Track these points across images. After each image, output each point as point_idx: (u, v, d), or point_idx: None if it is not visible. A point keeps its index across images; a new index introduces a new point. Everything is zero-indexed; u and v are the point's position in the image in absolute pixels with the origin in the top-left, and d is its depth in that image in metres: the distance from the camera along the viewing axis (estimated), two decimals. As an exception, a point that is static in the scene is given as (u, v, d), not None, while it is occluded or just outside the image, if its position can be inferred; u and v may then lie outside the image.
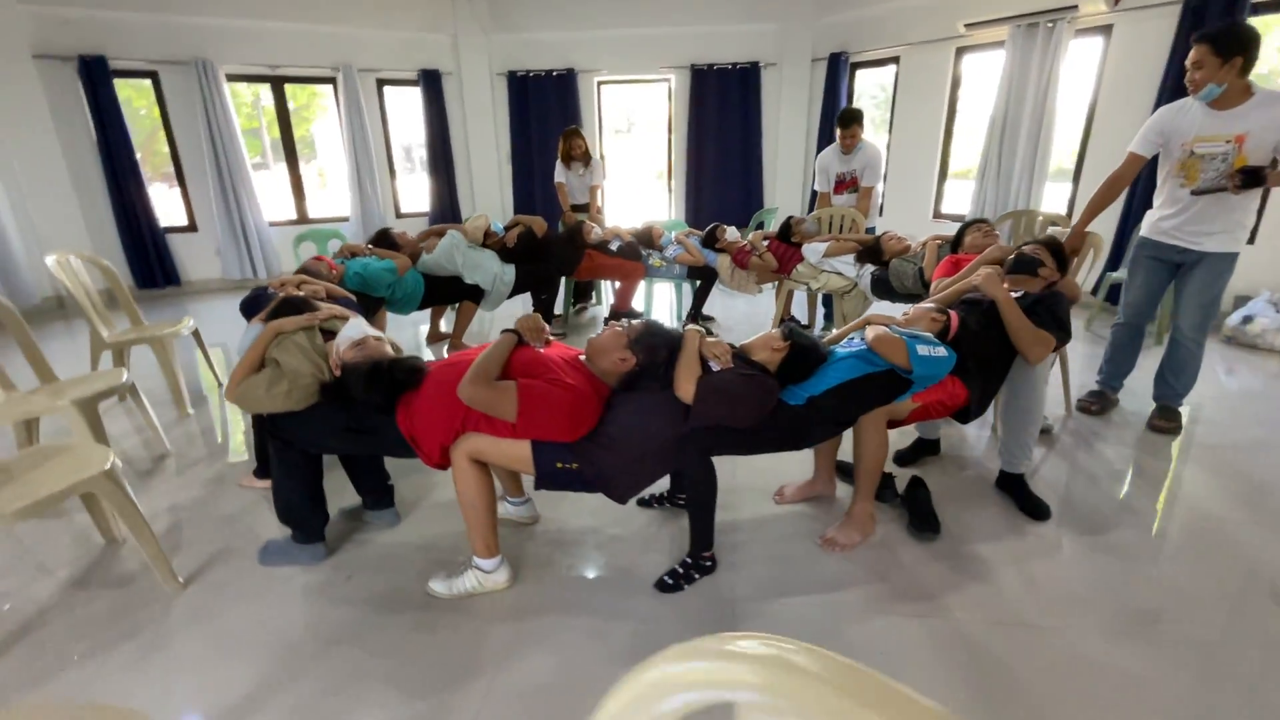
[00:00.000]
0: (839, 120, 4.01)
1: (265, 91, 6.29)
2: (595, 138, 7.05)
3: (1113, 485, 2.35)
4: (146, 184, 5.76)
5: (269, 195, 6.40)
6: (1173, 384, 2.73)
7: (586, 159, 4.90)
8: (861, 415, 1.94)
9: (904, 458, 2.51)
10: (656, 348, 1.78)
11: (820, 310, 4.52)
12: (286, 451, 1.86)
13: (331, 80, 6.27)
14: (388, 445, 1.85)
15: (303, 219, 6.62)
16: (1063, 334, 2.13)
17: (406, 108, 6.78)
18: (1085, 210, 2.75)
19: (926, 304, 2.22)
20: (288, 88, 6.26)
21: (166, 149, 5.89)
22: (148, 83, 5.65)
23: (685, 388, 1.70)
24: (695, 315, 4.28)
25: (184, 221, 6.09)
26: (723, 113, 6.70)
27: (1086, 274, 2.86)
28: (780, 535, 2.08)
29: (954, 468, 2.49)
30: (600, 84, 6.98)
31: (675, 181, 7.18)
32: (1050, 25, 4.60)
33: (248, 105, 6.39)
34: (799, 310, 4.54)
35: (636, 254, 4.27)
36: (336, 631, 1.68)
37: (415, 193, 7.20)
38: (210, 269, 6.19)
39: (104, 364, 3.11)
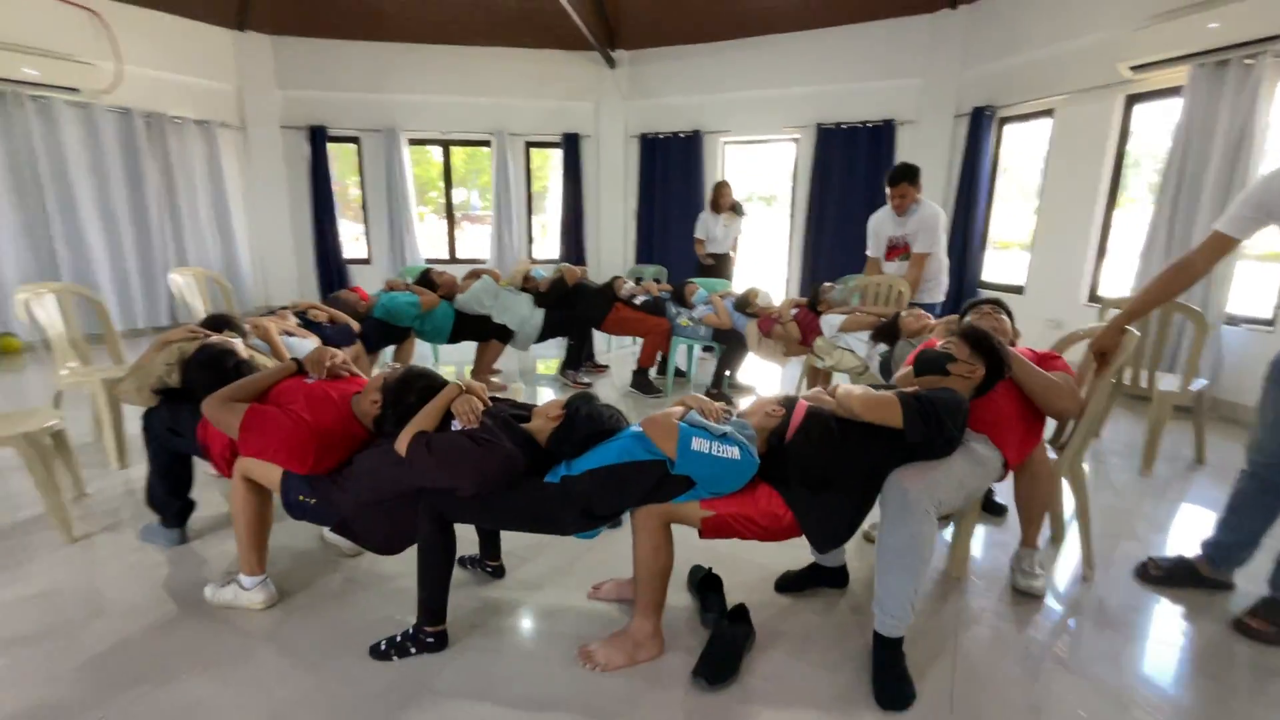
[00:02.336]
0: (888, 178, 3.48)
1: (437, 152, 7.50)
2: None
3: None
4: (337, 227, 7.22)
5: (429, 237, 7.55)
6: None
7: (734, 209, 5.17)
8: (625, 508, 1.62)
9: (784, 584, 2.01)
10: (404, 394, 1.71)
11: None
12: (150, 443, 2.15)
13: (488, 143, 7.23)
14: (191, 448, 2.04)
15: (452, 257, 7.65)
16: (941, 442, 1.57)
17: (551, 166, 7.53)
18: (1134, 302, 2.00)
19: (773, 395, 1.80)
20: (453, 149, 7.40)
21: (359, 198, 7.32)
22: (353, 146, 7.12)
23: (400, 440, 1.61)
24: (718, 382, 3.96)
25: (364, 255, 7.46)
26: (849, 172, 6.21)
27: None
28: (552, 633, 1.80)
29: (846, 610, 1.92)
30: (726, 144, 6.99)
31: (794, 242, 6.80)
32: (1248, 62, 3.48)
33: (436, 164, 7.72)
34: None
35: (661, 310, 4.12)
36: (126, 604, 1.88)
37: (548, 240, 7.86)
38: (376, 295, 7.46)
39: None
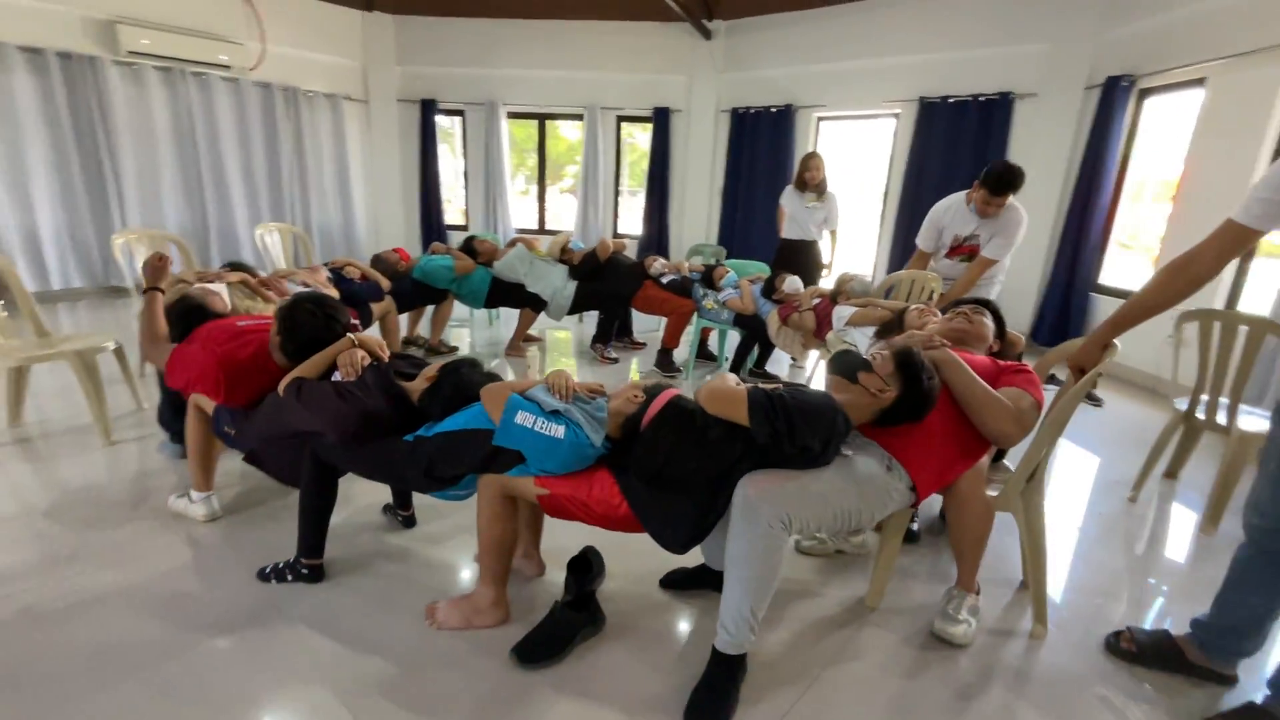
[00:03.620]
0: (991, 181, 2.98)
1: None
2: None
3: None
4: (441, 195, 7.77)
5: (522, 208, 7.89)
6: None
7: (821, 190, 4.34)
8: (463, 474, 1.62)
9: (669, 581, 1.90)
10: (293, 324, 1.83)
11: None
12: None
13: (580, 117, 7.36)
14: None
15: (541, 228, 7.94)
16: (793, 451, 1.40)
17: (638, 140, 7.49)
18: (1123, 311, 1.63)
19: (641, 381, 1.69)
20: (548, 123, 7.62)
21: (462, 167, 7.80)
22: (458, 119, 7.59)
23: (282, 383, 1.73)
24: (736, 368, 3.77)
25: (461, 221, 7.98)
26: (952, 152, 5.53)
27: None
28: (421, 585, 1.86)
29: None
30: (820, 120, 6.51)
31: (885, 228, 6.22)
32: None
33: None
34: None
35: (687, 291, 3.99)
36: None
37: (633, 215, 7.86)
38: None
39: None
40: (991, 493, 1.74)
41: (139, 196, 5.74)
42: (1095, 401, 3.85)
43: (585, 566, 1.83)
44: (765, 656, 1.65)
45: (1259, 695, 1.45)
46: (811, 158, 4.30)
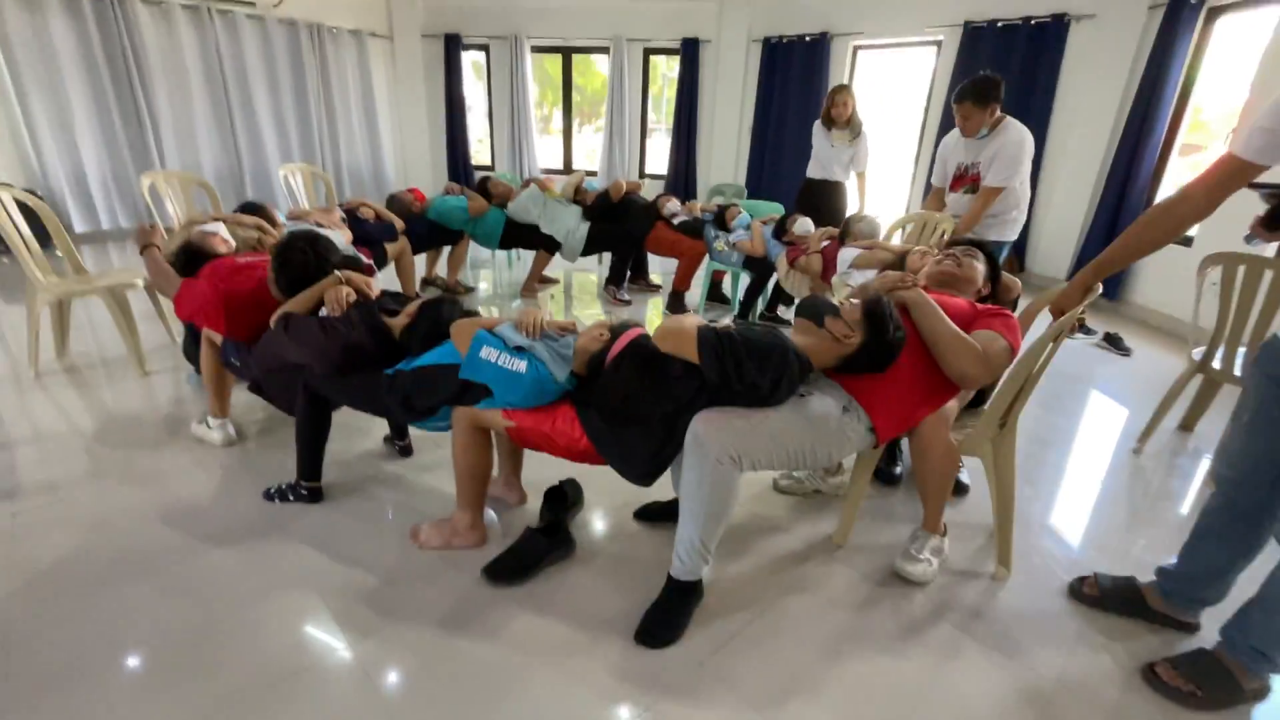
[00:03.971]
0: (963, 92, 2.86)
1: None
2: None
3: None
4: (470, 132, 7.72)
5: (548, 147, 7.79)
6: (1263, 635, 1.34)
7: (851, 127, 3.95)
8: (438, 406, 1.70)
9: (643, 513, 1.98)
10: (285, 261, 1.91)
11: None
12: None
13: (606, 50, 7.11)
14: None
15: (567, 168, 7.84)
16: (742, 388, 1.42)
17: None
18: (1109, 252, 1.55)
19: (606, 320, 1.71)
20: (574, 57, 7.39)
21: (485, 106, 7.70)
22: (482, 54, 7.44)
23: (273, 317, 1.83)
24: (745, 312, 3.74)
25: (489, 162, 7.94)
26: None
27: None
28: (410, 509, 1.99)
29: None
30: (857, 49, 6.12)
31: (920, 165, 5.91)
32: None
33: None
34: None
35: (699, 233, 3.93)
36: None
37: (658, 155, 7.65)
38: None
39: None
40: (958, 437, 1.73)
41: (175, 138, 5.91)
42: (1123, 350, 3.69)
43: (561, 497, 1.92)
44: (724, 584, 1.72)
45: (1211, 642, 1.44)
46: (839, 91, 3.94)
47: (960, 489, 2.20)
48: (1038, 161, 5.10)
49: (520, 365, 1.53)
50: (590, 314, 4.24)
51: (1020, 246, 5.34)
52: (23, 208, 2.81)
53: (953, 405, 1.71)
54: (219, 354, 2.19)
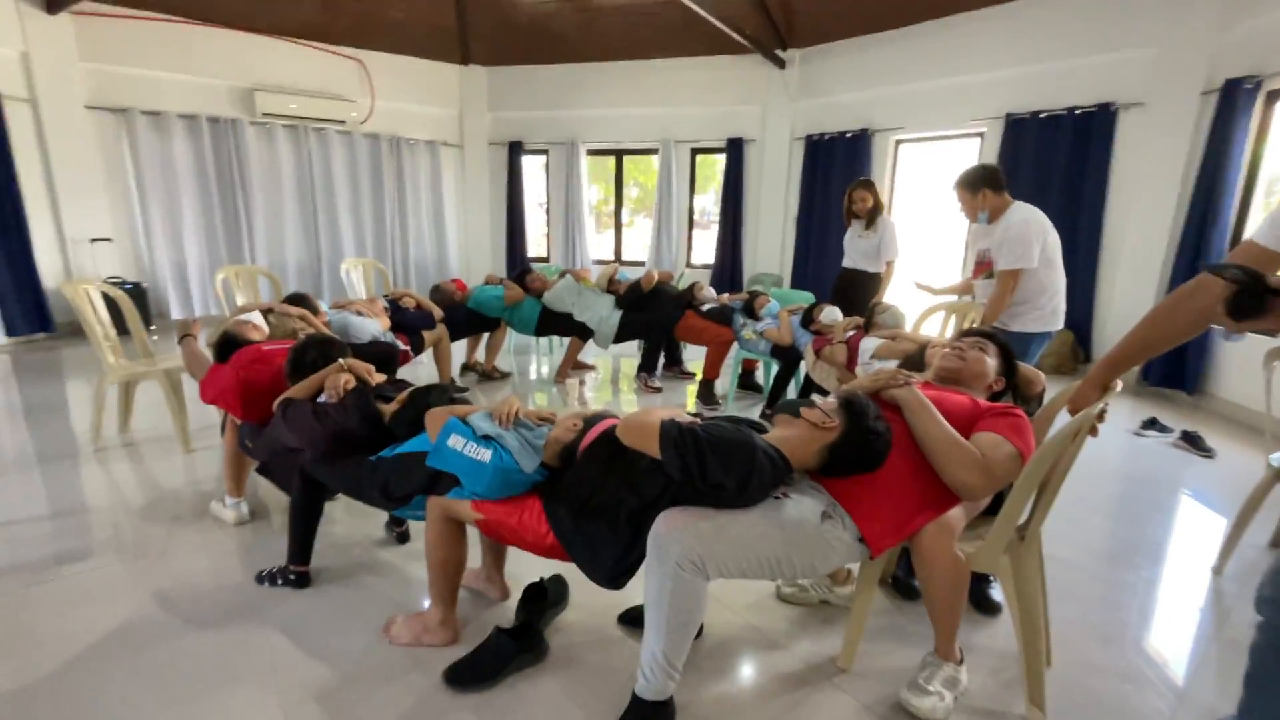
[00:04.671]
0: (958, 180, 2.81)
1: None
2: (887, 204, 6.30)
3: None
4: (527, 225, 8.23)
5: (602, 241, 8.18)
6: None
7: (871, 217, 3.95)
8: (413, 494, 1.69)
9: (627, 617, 1.85)
10: (298, 361, 2.02)
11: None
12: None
13: (656, 151, 7.53)
14: None
15: (618, 259, 8.15)
16: (707, 488, 1.35)
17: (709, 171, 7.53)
18: (1122, 347, 1.42)
19: (582, 410, 1.68)
20: (625, 159, 7.87)
21: (545, 203, 8.23)
22: (543, 157, 8.04)
23: (276, 402, 1.92)
24: (772, 402, 3.63)
25: (544, 254, 8.38)
26: (1045, 168, 5.05)
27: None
28: (391, 600, 1.94)
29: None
30: (899, 142, 6.21)
31: (972, 251, 5.74)
32: None
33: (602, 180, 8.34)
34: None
35: (728, 320, 3.91)
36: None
37: (705, 246, 7.84)
38: (551, 290, 8.34)
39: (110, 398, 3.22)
40: (968, 549, 1.55)
41: (266, 236, 6.61)
42: (1204, 451, 3.29)
43: (540, 595, 1.84)
44: (702, 706, 1.56)
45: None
46: (856, 188, 3.98)
47: (992, 608, 1.95)
48: (1094, 251, 4.88)
49: (485, 454, 1.51)
50: (626, 400, 4.23)
51: (1085, 338, 5.01)
52: (106, 299, 3.15)
53: (958, 513, 1.54)
54: (238, 436, 2.30)
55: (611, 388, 4.59)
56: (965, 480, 1.43)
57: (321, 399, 1.92)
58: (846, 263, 4.15)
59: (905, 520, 1.48)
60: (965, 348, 1.81)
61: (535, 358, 5.46)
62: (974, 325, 2.80)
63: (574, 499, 1.49)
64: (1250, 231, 1.22)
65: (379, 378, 2.06)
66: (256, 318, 2.58)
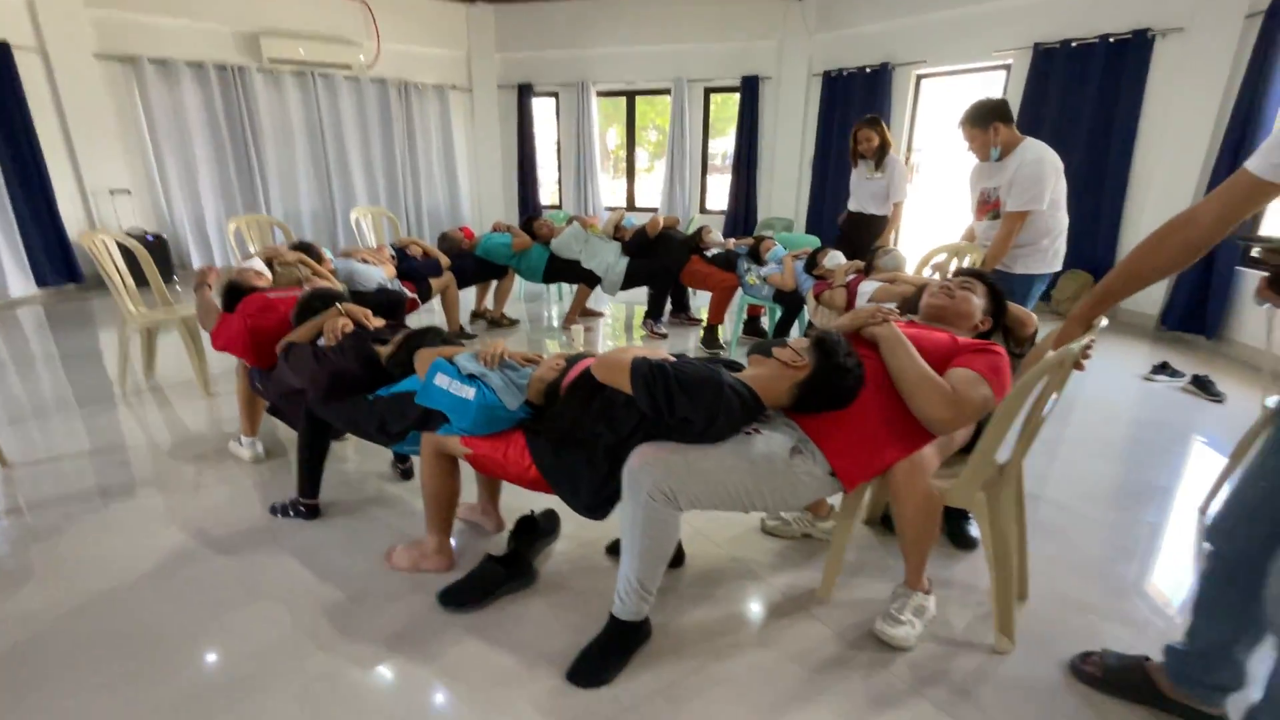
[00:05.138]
0: (965, 113, 2.70)
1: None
2: (903, 143, 6.08)
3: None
4: (539, 171, 8.13)
5: (615, 186, 8.04)
6: None
7: (879, 158, 3.81)
8: (407, 431, 1.77)
9: (616, 547, 1.94)
10: (304, 309, 2.09)
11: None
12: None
13: (668, 91, 7.31)
14: None
15: (630, 205, 8.05)
16: (675, 422, 1.41)
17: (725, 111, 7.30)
18: (1110, 281, 1.40)
19: (562, 352, 1.73)
20: (639, 100, 7.65)
21: (556, 148, 8.09)
22: (552, 100, 7.86)
23: (279, 345, 2.00)
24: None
25: (556, 201, 8.31)
26: (1075, 104, 4.80)
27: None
28: (394, 530, 2.06)
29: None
30: (920, 77, 5.93)
31: (991, 197, 5.55)
32: None
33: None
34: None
35: (733, 265, 3.89)
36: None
37: (719, 191, 7.69)
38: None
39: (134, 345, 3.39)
40: (943, 485, 1.58)
41: (280, 185, 6.65)
42: (1214, 395, 3.24)
43: (531, 526, 1.93)
44: (680, 628, 1.65)
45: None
46: (860, 127, 3.84)
47: (968, 543, 2.00)
48: (1120, 190, 4.68)
49: (469, 392, 1.57)
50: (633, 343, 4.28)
51: (1105, 280, 4.86)
52: (124, 250, 3.25)
53: (931, 450, 1.57)
54: (250, 379, 2.41)
55: (622, 334, 4.64)
56: (935, 415, 1.46)
57: (321, 342, 1.99)
58: (853, 205, 4.05)
59: (876, 456, 1.52)
60: (953, 287, 1.80)
61: (547, 304, 5.50)
62: (973, 266, 2.75)
63: (555, 434, 1.56)
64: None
65: (377, 322, 2.13)
66: (258, 264, 2.65)
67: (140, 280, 3.36)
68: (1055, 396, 1.49)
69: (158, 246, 5.59)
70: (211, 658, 1.54)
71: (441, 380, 1.60)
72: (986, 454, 1.52)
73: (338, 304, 2.09)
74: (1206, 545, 1.24)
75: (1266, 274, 1.55)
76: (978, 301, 1.79)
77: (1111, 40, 4.57)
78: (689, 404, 1.37)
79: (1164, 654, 1.38)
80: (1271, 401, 2.08)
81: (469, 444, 1.66)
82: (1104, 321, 1.48)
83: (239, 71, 6.12)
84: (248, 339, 2.21)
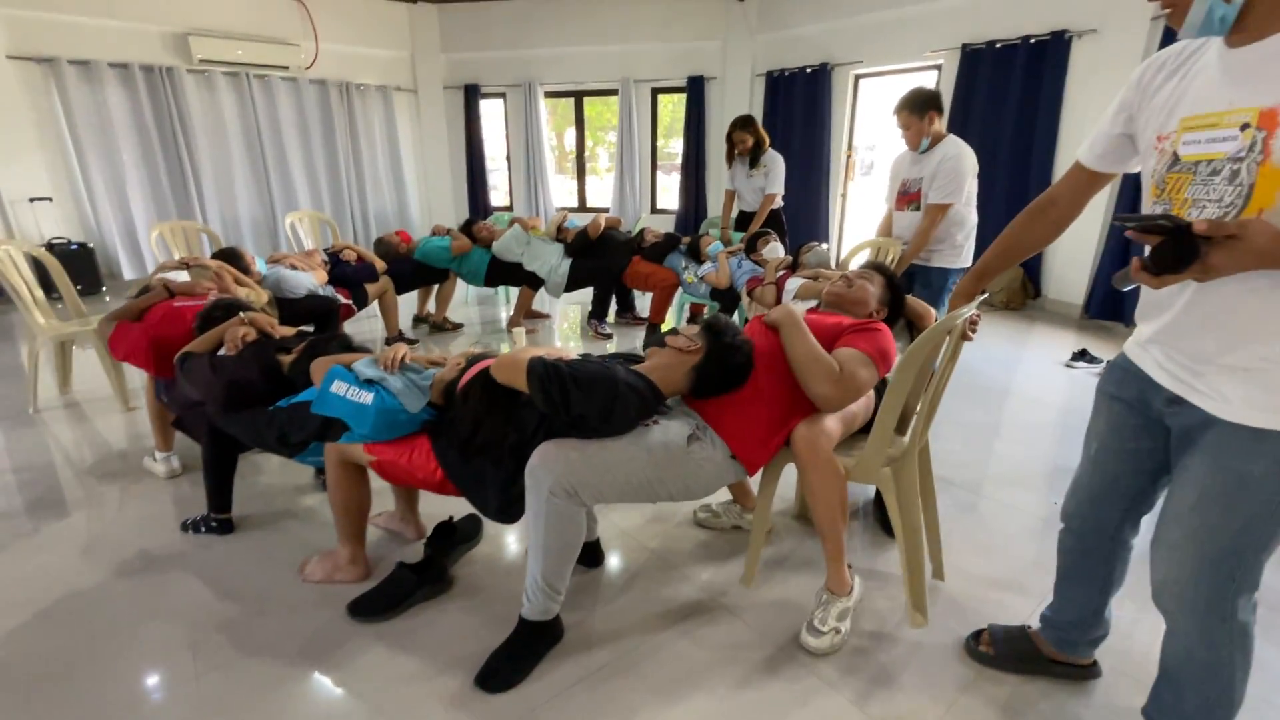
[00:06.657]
0: (894, 107, 2.79)
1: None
2: (843, 139, 6.22)
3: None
4: (490, 174, 8.05)
5: (561, 186, 8.01)
6: (1179, 713, 1.15)
7: (755, 155, 4.02)
8: (307, 440, 1.73)
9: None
10: (206, 318, 2.03)
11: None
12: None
13: (615, 92, 7.31)
14: None
15: (581, 205, 8.03)
16: (571, 419, 1.42)
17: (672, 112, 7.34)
18: (985, 259, 1.48)
19: (465, 352, 1.73)
20: (586, 101, 7.64)
21: (505, 149, 8.03)
22: (500, 101, 7.79)
23: (177, 356, 1.93)
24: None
25: (507, 203, 8.24)
26: (998, 103, 4.98)
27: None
28: (310, 543, 2.02)
29: (570, 589, 1.79)
30: (858, 77, 6.07)
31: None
32: None
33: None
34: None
35: (672, 248, 3.92)
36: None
37: (671, 191, 7.74)
38: (517, 240, 8.23)
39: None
40: (849, 462, 1.61)
41: (216, 191, 6.43)
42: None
43: (449, 532, 1.91)
44: (595, 624, 1.66)
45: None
46: (734, 129, 4.11)
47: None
48: (1045, 184, 4.85)
49: (367, 397, 1.55)
50: (578, 348, 4.27)
51: (1034, 273, 5.06)
52: (33, 263, 3.10)
53: (833, 421, 1.59)
54: (155, 391, 2.32)
55: (568, 335, 4.62)
56: (822, 392, 1.49)
57: (221, 352, 1.93)
58: (743, 206, 4.30)
59: (772, 435, 1.55)
60: (852, 278, 1.85)
61: (496, 307, 5.45)
62: (893, 262, 2.83)
63: (459, 436, 1.54)
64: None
65: (284, 330, 2.07)
66: (181, 275, 2.57)
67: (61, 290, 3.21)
68: (950, 366, 1.54)
69: (82, 255, 5.35)
70: (97, 686, 1.47)
71: (338, 387, 1.57)
72: (886, 425, 1.54)
73: (241, 313, 2.03)
74: (1061, 522, 1.31)
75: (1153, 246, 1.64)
76: (873, 290, 1.84)
77: (1033, 41, 4.75)
78: (584, 400, 1.37)
79: (1040, 623, 1.45)
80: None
81: (372, 450, 1.64)
82: (987, 293, 1.55)
83: (167, 73, 5.90)
84: (149, 349, 2.13)
